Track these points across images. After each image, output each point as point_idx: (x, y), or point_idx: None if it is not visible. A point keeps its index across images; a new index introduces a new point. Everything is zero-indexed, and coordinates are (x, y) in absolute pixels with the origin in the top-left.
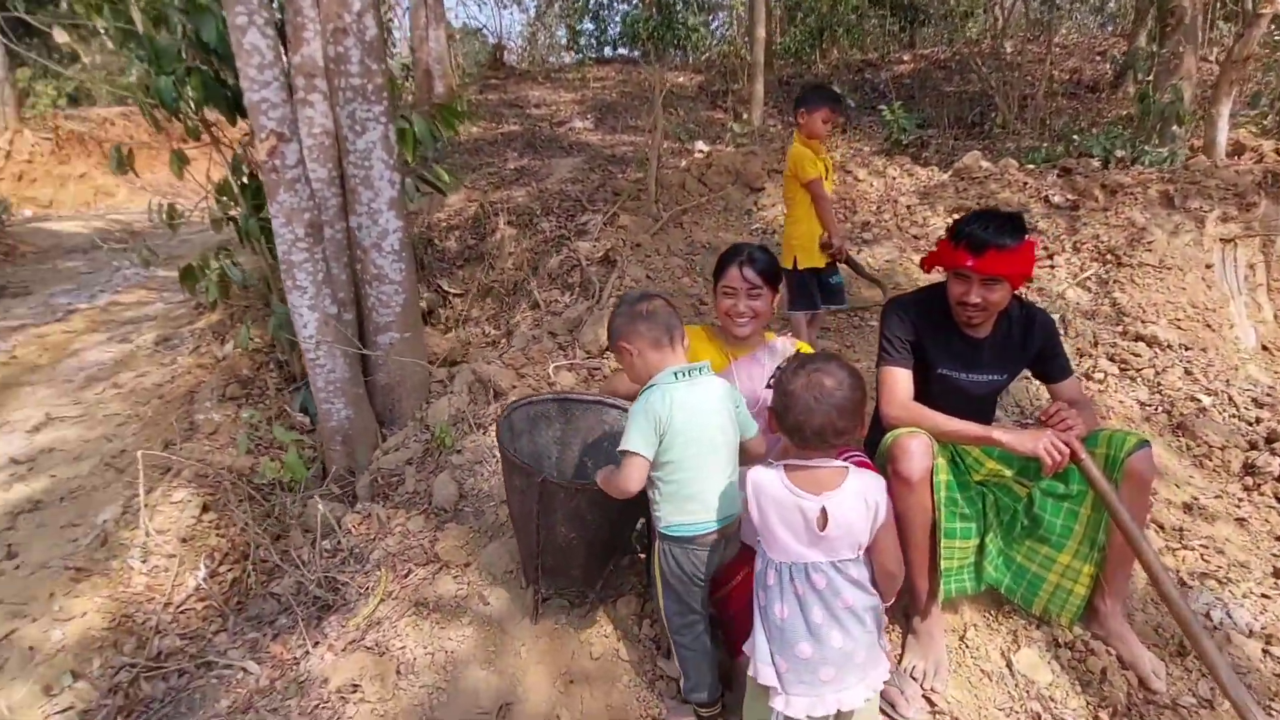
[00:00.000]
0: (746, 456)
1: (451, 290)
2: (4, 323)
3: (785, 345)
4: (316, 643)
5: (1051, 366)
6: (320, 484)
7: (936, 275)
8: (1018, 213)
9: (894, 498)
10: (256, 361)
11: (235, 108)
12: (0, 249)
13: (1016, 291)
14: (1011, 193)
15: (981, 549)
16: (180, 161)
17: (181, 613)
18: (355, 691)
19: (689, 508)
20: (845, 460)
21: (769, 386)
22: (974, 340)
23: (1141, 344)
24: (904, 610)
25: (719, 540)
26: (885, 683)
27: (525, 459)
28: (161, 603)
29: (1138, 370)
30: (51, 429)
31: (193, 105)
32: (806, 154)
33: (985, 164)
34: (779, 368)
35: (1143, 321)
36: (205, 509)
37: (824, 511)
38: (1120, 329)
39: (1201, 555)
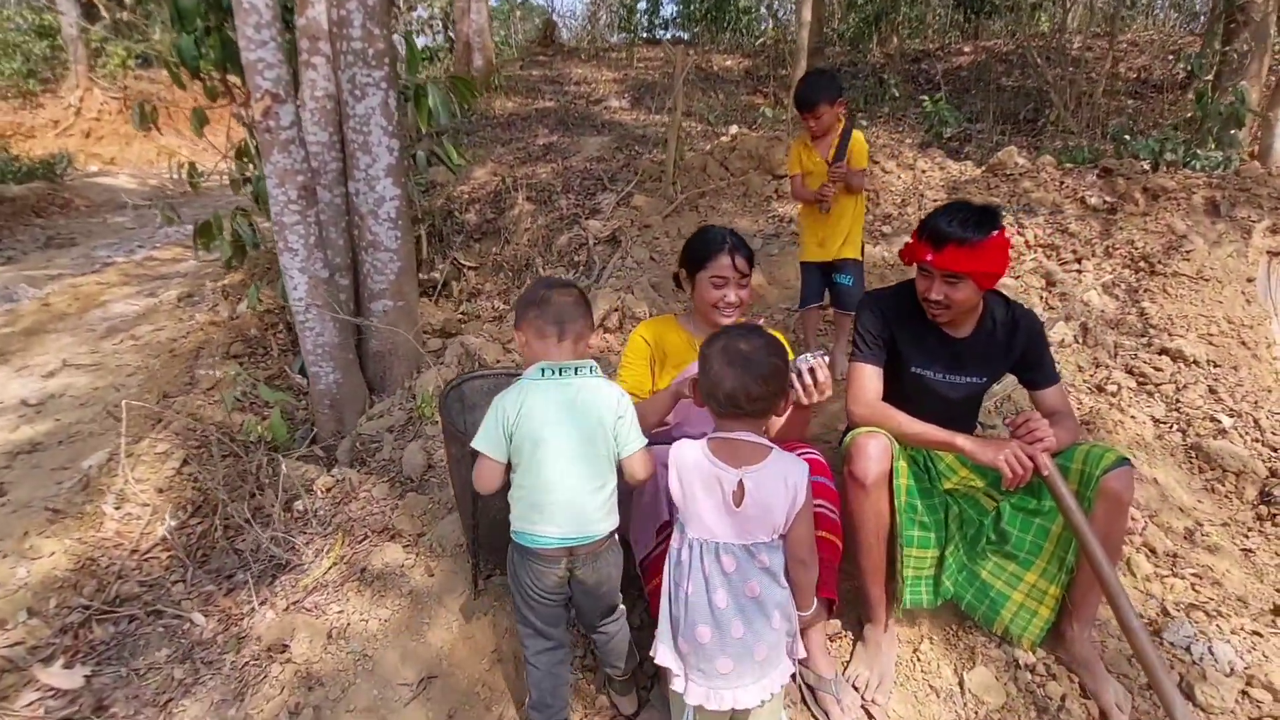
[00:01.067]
0: (626, 478)
1: (467, 263)
2: (44, 271)
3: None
4: (264, 600)
5: (1036, 373)
6: (309, 445)
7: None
8: (991, 206)
9: (848, 499)
10: (266, 322)
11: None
12: (57, 202)
13: (1002, 291)
14: (1046, 192)
15: (941, 561)
16: (200, 121)
17: (145, 560)
18: (284, 651)
19: (532, 517)
20: (800, 453)
21: (806, 353)
22: (952, 340)
23: (1165, 357)
24: (859, 618)
25: (566, 559)
26: (823, 690)
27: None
28: (128, 549)
29: (1156, 385)
30: (65, 375)
31: (213, 65)
32: (792, 149)
33: (1020, 160)
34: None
35: (1169, 334)
36: (186, 462)
37: (741, 485)
38: (1144, 340)
39: (1192, 585)
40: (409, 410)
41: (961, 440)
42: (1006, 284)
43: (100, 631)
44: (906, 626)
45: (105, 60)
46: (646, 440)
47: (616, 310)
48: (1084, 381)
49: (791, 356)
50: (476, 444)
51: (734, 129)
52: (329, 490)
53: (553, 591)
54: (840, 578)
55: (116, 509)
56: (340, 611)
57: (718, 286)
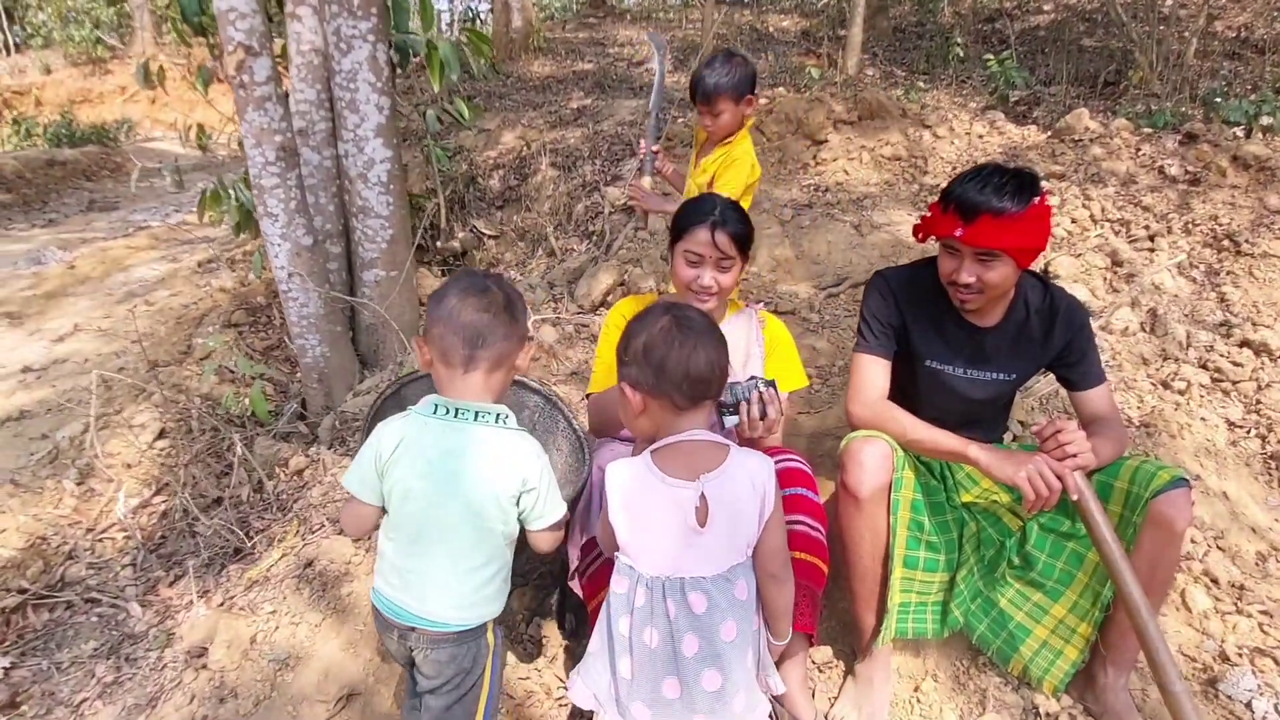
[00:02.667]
0: (534, 548)
1: (487, 232)
2: (80, 234)
3: (751, 320)
4: (205, 592)
5: (1076, 371)
6: (297, 421)
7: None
8: (1028, 169)
9: (839, 514)
10: (272, 291)
11: None
12: (108, 166)
13: (1038, 270)
14: (1118, 160)
15: (951, 587)
16: (205, 80)
17: (99, 540)
18: (201, 656)
19: (391, 578)
20: (779, 460)
21: (754, 377)
22: (976, 329)
23: (1247, 351)
24: (851, 648)
25: (419, 641)
26: None
27: None
28: (84, 528)
29: (1234, 383)
30: (74, 340)
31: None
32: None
33: (1091, 124)
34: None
35: (1253, 324)
36: (162, 435)
37: (704, 499)
38: (1223, 330)
39: (1260, 625)
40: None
41: (975, 451)
42: (1065, 263)
43: (35, 618)
44: (909, 658)
45: (170, 26)
46: (562, 510)
47: (622, 285)
48: (1148, 376)
49: None
50: (345, 480)
51: (780, 90)
52: (300, 472)
53: (398, 656)
54: (826, 606)
55: (78, 484)
56: (273, 612)
57: (691, 264)
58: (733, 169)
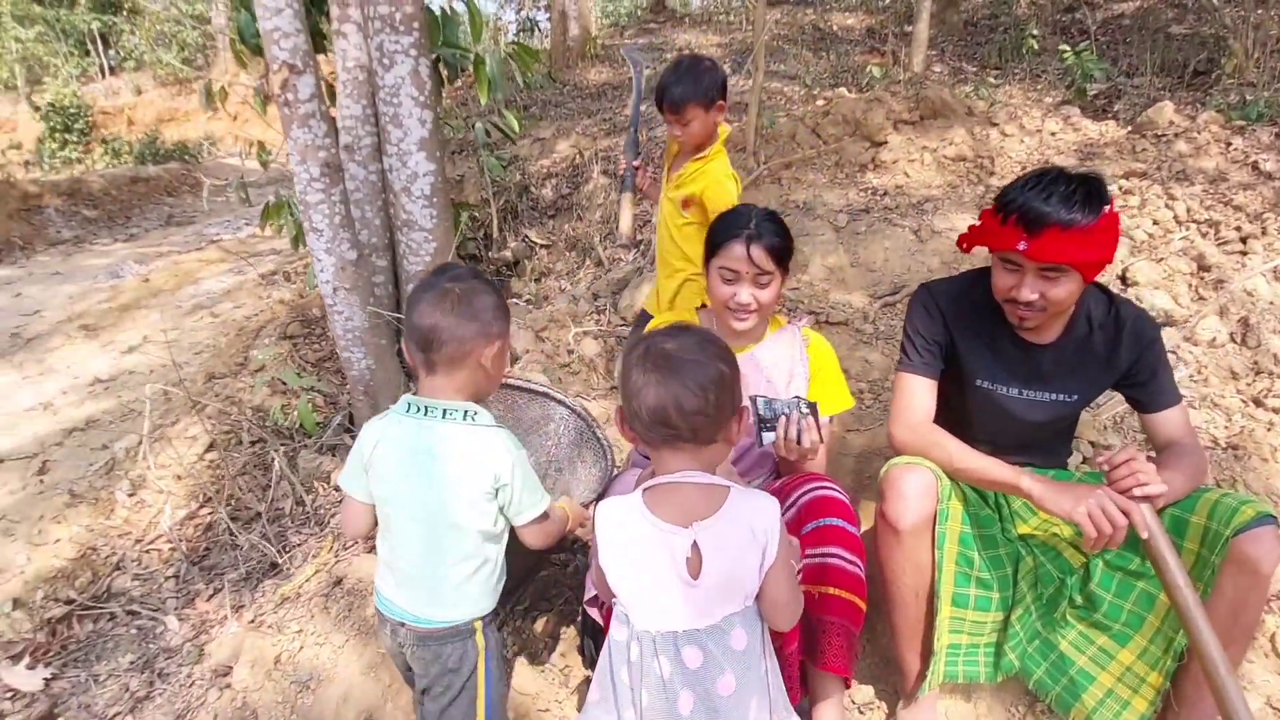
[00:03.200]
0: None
1: (539, 241)
2: (156, 248)
3: (794, 337)
4: (238, 607)
5: (1147, 390)
6: (344, 434)
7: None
8: (1094, 173)
9: (878, 547)
10: None
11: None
12: (188, 182)
13: (1098, 281)
14: (1206, 156)
15: (1005, 627)
16: (264, 99)
17: (146, 551)
18: (226, 675)
19: (383, 574)
20: (813, 489)
21: (798, 397)
22: (1032, 346)
23: None
24: (895, 688)
25: (392, 630)
26: None
27: None
28: (133, 539)
29: None
30: (142, 352)
31: None
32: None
33: (1176, 118)
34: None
35: None
36: (211, 448)
37: (695, 548)
38: None
39: None
40: None
41: (1028, 481)
42: (1145, 269)
43: (79, 629)
44: (959, 701)
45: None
46: (544, 504)
47: None
48: (1237, 392)
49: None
50: (340, 478)
51: (842, 91)
52: (333, 487)
53: (393, 655)
54: (869, 641)
55: (130, 495)
56: (299, 631)
57: (727, 281)
58: (718, 190)
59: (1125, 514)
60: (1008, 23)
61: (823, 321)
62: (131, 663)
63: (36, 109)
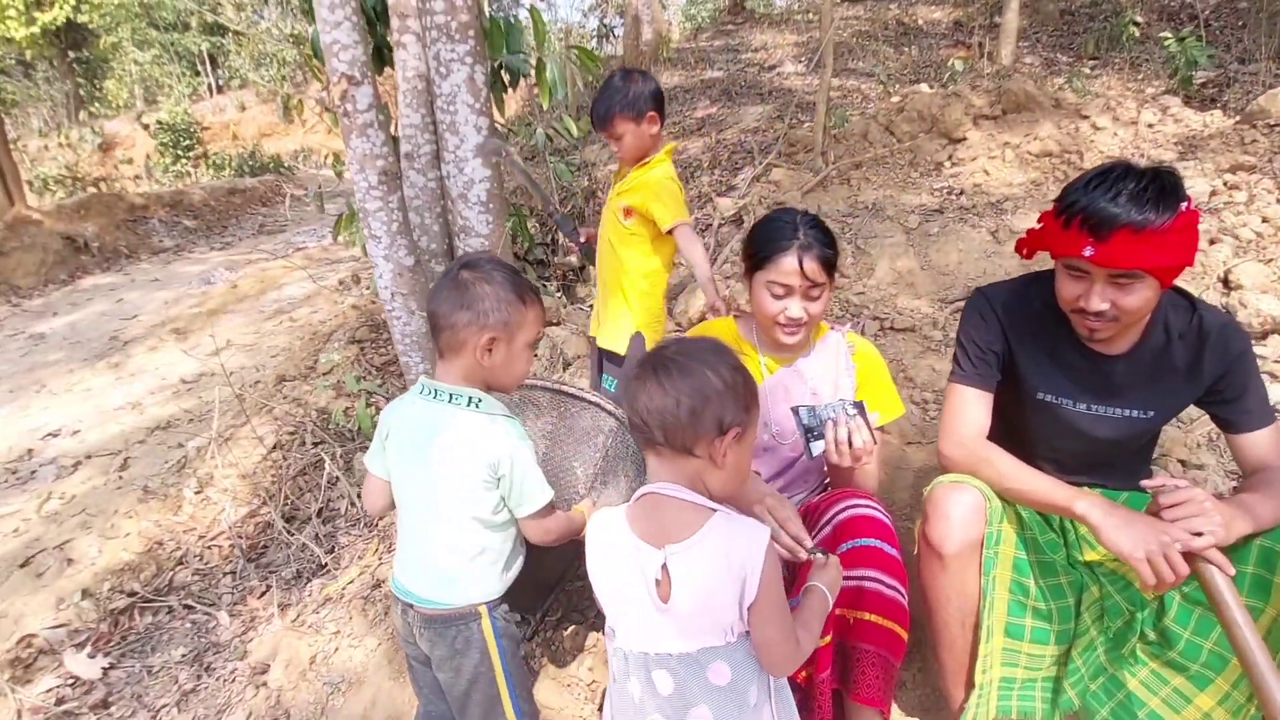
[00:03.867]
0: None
1: None
2: (247, 255)
3: (839, 344)
4: (286, 605)
5: (1234, 408)
6: None
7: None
8: (1166, 168)
9: (921, 572)
10: None
11: (380, 58)
12: (282, 193)
13: (1178, 285)
14: None
15: (1066, 661)
16: (322, 112)
17: (209, 547)
18: (264, 673)
19: (398, 554)
20: (850, 506)
21: (843, 399)
22: (1102, 357)
23: None
24: None
25: (415, 619)
26: None
27: None
28: (196, 535)
29: None
30: (225, 354)
31: None
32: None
33: None
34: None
35: None
36: (276, 448)
37: (665, 570)
38: None
39: None
40: None
41: (1086, 506)
42: (1252, 271)
43: (139, 621)
44: None
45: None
46: (542, 499)
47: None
48: None
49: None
50: (366, 457)
51: (921, 87)
52: None
53: (408, 642)
54: (921, 670)
55: (196, 493)
56: (336, 633)
57: (777, 296)
58: (662, 199)
59: (1186, 558)
60: (1108, 10)
61: (887, 327)
62: (183, 656)
63: (145, 127)
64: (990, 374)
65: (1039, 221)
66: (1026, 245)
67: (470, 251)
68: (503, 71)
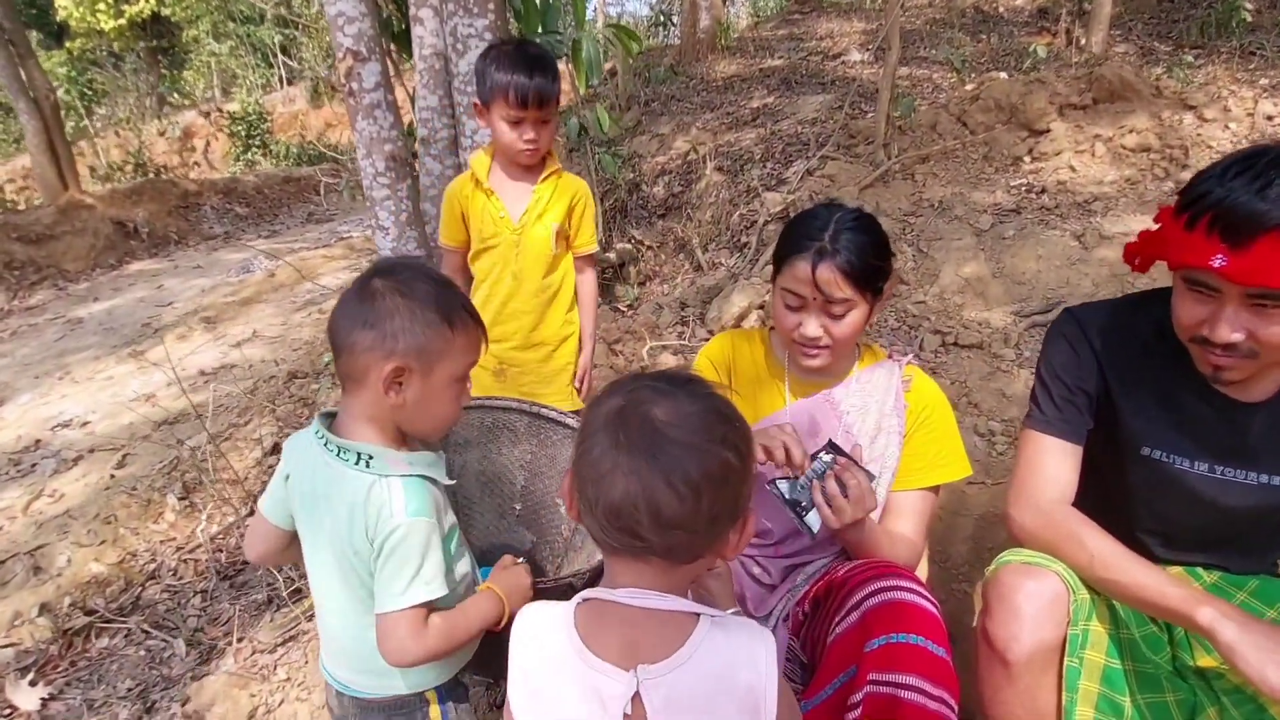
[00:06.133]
0: None
1: (646, 242)
2: (290, 244)
3: (892, 378)
4: (241, 638)
5: None
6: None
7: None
8: None
9: (980, 679)
10: None
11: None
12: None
13: None
14: None
15: None
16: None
17: (184, 561)
18: None
19: (320, 628)
20: (887, 587)
21: (818, 454)
22: (1233, 405)
23: None
24: None
25: (349, 707)
26: None
27: (474, 477)
28: (174, 546)
29: None
30: (248, 346)
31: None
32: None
33: None
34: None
35: None
36: (273, 451)
37: (638, 703)
38: None
39: None
40: None
41: (1211, 616)
42: None
43: (95, 644)
44: None
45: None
46: (408, 600)
47: (760, 308)
48: None
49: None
50: (262, 497)
51: (999, 75)
52: None
53: None
54: None
55: (181, 499)
56: (285, 679)
57: (790, 307)
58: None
59: None
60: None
61: (950, 343)
62: (128, 690)
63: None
64: (1080, 420)
65: (1155, 220)
66: (1137, 251)
67: (392, 255)
68: None
